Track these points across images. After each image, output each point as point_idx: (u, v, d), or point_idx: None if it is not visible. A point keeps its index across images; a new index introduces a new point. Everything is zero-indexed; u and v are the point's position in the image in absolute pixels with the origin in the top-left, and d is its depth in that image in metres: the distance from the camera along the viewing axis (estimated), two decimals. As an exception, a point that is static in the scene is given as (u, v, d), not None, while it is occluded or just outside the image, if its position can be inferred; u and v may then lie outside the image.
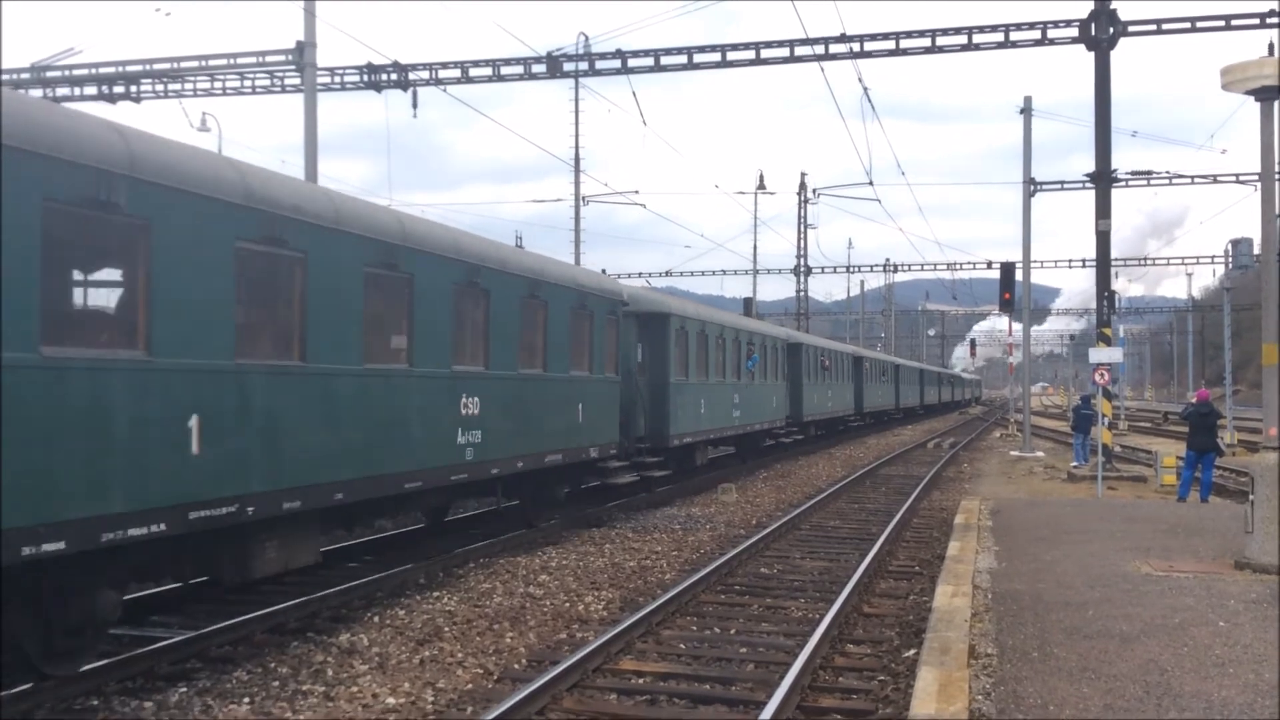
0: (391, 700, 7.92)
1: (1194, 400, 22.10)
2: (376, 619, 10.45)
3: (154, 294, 8.03)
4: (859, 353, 48.65)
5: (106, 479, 7.55)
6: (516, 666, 8.98)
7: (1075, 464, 28.17)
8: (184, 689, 8.14)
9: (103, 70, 29.65)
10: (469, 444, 12.87)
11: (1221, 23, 25.31)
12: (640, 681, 8.55)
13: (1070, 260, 58.01)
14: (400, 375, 11.54)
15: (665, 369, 20.61)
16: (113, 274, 8.53)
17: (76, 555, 7.36)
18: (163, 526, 8.03)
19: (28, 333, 6.94)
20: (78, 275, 8.39)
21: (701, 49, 28.08)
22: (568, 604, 11.35)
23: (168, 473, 8.10)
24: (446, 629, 10.10)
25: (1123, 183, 31.06)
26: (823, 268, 63.99)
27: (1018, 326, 40.45)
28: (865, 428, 49.50)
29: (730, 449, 29.27)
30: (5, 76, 30.16)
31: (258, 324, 9.68)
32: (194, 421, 8.38)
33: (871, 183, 42.36)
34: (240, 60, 28.51)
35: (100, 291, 8.61)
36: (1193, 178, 38.23)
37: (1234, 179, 38.86)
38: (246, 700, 7.88)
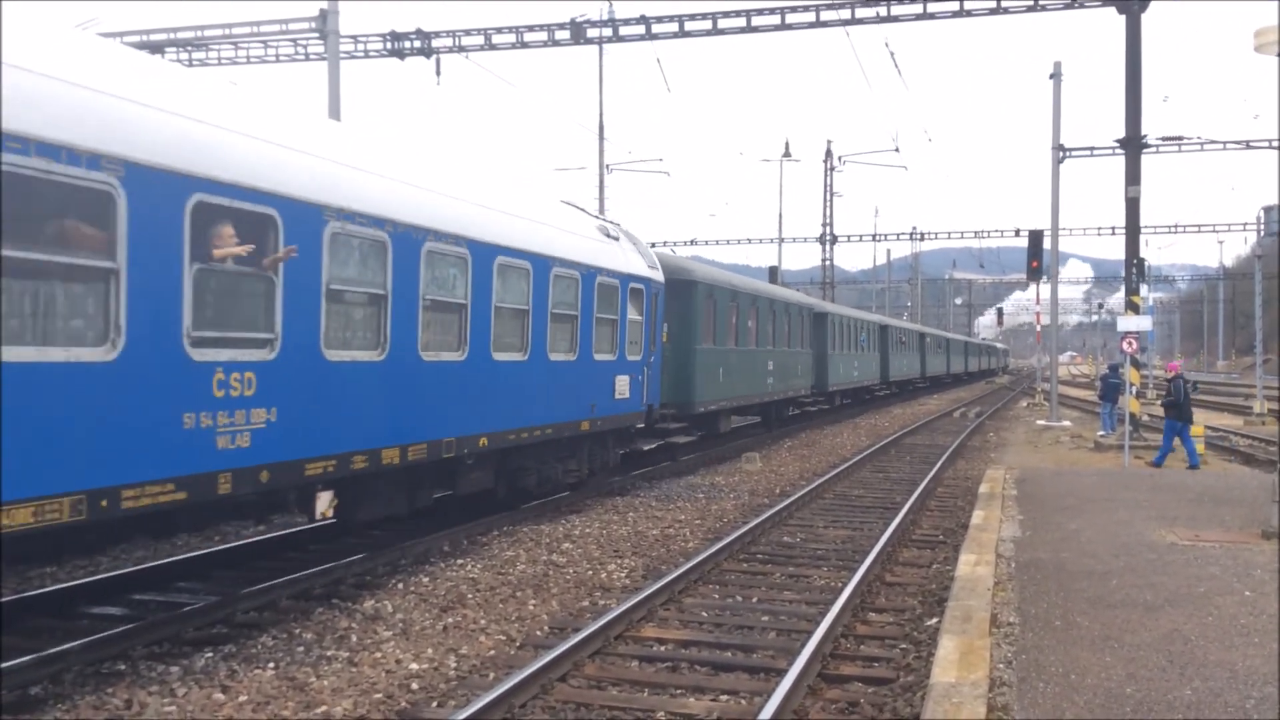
0: (415, 666, 7.98)
1: (1168, 374, 23.09)
2: (400, 586, 10.52)
3: (716, 325, 22.26)
4: (923, 330, 63.22)
5: (709, 389, 21.43)
6: (539, 633, 9.02)
7: (1102, 433, 27.99)
8: (210, 654, 8.24)
9: (127, 38, 29.71)
10: (770, 383, 26.87)
11: (1256, -16, 24.82)
12: (662, 649, 8.58)
13: (1100, 228, 57.44)
14: (756, 351, 25.65)
15: (825, 345, 33.94)
16: (706, 320, 21.56)
17: (714, 412, 22.23)
18: (714, 407, 21.90)
19: (702, 339, 21.04)
20: (710, 321, 21.78)
21: (726, 14, 27.83)
22: (590, 572, 11.39)
23: (714, 387, 21.68)
24: (470, 596, 10.16)
25: (1153, 148, 30.62)
26: (848, 236, 63.64)
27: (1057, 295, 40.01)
28: (897, 395, 55.24)
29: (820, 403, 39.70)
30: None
31: (730, 331, 23.55)
32: (721, 371, 22.11)
33: (898, 149, 42.01)
34: (264, 28, 28.52)
35: (711, 325, 21.86)
36: (1225, 143, 37.64)
37: (1267, 144, 38.25)
38: (271, 665, 7.97)
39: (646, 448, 20.16)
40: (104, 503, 7.12)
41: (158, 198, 7.44)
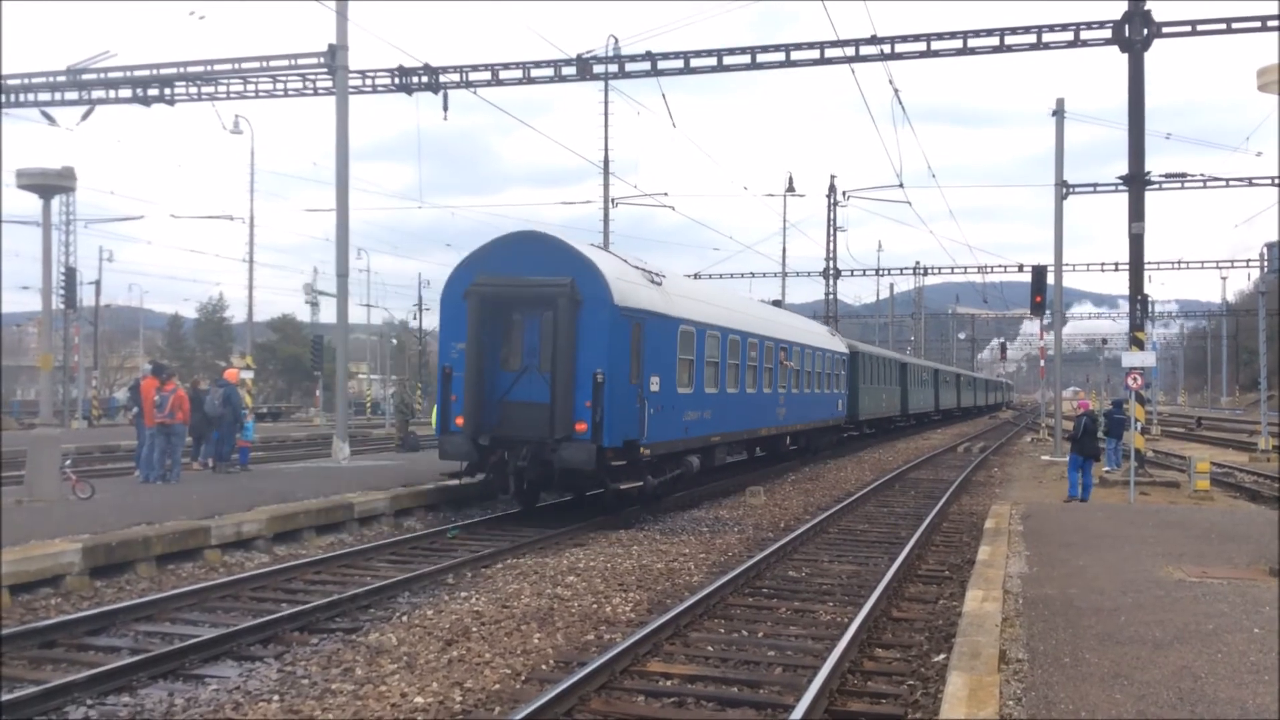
0: (420, 700, 7.93)
1: (1079, 410, 23.16)
2: (405, 618, 10.48)
3: (864, 374, 39.39)
4: (959, 371, 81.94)
5: (864, 409, 38.93)
6: (544, 667, 8.98)
7: (1107, 469, 27.89)
8: (214, 686, 8.20)
9: (137, 73, 29.96)
10: (883, 407, 43.67)
11: (1258, 24, 25.00)
12: (668, 683, 8.54)
13: (1104, 264, 57.48)
14: (878, 387, 42.36)
15: (905, 384, 49.73)
16: (862, 371, 39.51)
17: (864, 421, 40.45)
18: (866, 418, 40.50)
19: (860, 381, 38.52)
20: (863, 372, 39.40)
21: (731, 51, 28.02)
22: (595, 605, 11.34)
23: (865, 408, 39.27)
24: (474, 629, 10.11)
25: (1156, 185, 30.72)
26: (852, 270, 63.61)
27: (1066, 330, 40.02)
28: (942, 421, 67.10)
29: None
30: (41, 79, 30.48)
31: (870, 377, 41.13)
32: (868, 399, 39.86)
33: (902, 185, 42.16)
34: (273, 63, 28.74)
35: (862, 374, 39.34)
36: (1227, 180, 37.69)
37: (1269, 182, 38.32)
38: (276, 698, 7.92)
39: (845, 435, 37.46)
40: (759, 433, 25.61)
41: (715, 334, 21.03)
